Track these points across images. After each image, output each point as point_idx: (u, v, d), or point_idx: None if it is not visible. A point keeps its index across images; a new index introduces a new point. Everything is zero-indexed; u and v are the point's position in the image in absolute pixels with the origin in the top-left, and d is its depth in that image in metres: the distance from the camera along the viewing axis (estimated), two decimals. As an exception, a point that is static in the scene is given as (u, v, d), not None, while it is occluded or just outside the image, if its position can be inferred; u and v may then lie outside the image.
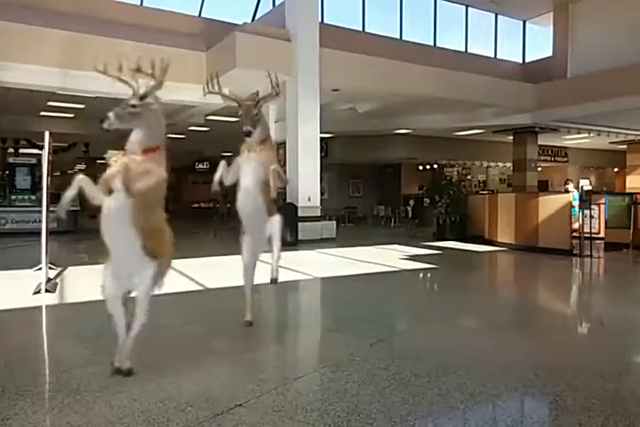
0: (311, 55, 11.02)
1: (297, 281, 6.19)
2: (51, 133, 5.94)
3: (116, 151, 2.63)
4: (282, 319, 4.62)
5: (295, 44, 10.93)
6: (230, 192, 3.68)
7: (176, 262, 6.69)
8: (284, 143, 11.18)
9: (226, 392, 2.62)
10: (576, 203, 8.39)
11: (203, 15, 13.13)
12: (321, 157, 11.62)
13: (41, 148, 5.87)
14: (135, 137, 2.63)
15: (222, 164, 3.54)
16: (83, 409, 2.40)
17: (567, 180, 8.88)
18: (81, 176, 2.57)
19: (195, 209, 24.18)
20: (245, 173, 3.44)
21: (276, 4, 13.28)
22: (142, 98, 2.66)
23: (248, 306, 3.71)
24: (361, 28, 15.05)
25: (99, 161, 19.16)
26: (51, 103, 13.33)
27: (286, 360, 3.34)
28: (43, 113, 14.88)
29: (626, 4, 14.08)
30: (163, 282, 2.85)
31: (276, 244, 3.64)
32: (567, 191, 8.51)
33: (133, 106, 2.62)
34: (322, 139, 12.04)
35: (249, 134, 3.35)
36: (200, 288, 5.71)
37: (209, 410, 2.39)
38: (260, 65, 10.42)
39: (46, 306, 4.70)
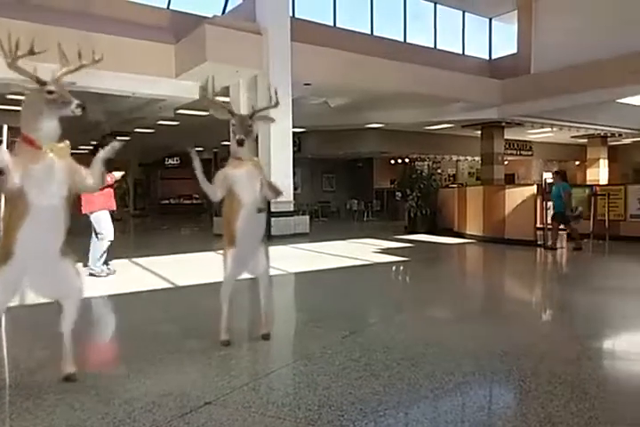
0: (282, 49, 10.97)
1: (270, 276, 6.18)
2: (10, 128, 5.75)
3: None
4: (254, 315, 4.63)
5: (266, 38, 10.86)
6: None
7: (145, 260, 6.62)
8: (257, 138, 11.12)
9: (195, 390, 2.59)
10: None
11: (171, 8, 12.89)
12: (293, 152, 11.62)
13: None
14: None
15: (203, 179, 3.26)
16: (43, 414, 2.33)
17: (556, 171, 9.16)
18: None
19: (165, 206, 23.81)
20: (247, 188, 3.22)
21: (246, -4, 13.13)
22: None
23: (224, 324, 3.32)
24: (332, 23, 15.05)
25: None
26: (10, 96, 12.87)
27: (258, 356, 3.36)
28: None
29: (587, 3, 14.48)
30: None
31: (266, 290, 3.48)
32: (552, 184, 8.84)
33: (50, 92, 2.49)
34: (294, 133, 12.05)
35: (242, 143, 3.22)
36: (169, 286, 5.65)
37: (177, 409, 2.36)
38: (231, 58, 10.38)
39: None
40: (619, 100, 13.69)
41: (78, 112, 2.53)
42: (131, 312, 4.56)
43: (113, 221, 6.14)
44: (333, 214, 20.12)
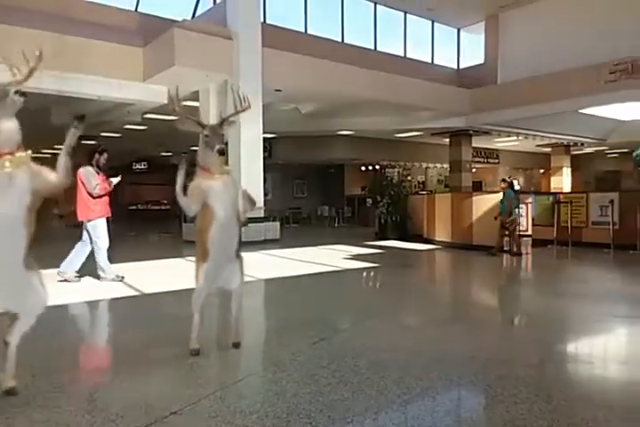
0: (253, 54, 10.95)
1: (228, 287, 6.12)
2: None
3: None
4: (223, 323, 4.57)
5: (237, 43, 10.82)
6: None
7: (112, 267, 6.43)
8: (227, 144, 11.05)
9: (161, 400, 2.54)
10: (508, 199, 8.69)
11: (139, 10, 12.73)
12: (264, 158, 11.57)
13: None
14: None
15: (181, 193, 3.19)
16: (-1, 427, 2.25)
17: (503, 178, 9.31)
18: None
19: (132, 212, 23.33)
20: (221, 201, 3.15)
21: (217, 1, 13.10)
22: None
23: (195, 333, 3.26)
24: (303, 30, 15.13)
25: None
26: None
27: (226, 364, 3.31)
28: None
29: (550, 15, 15.02)
30: None
31: (238, 302, 3.42)
32: (504, 190, 8.95)
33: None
34: (265, 139, 12.01)
35: (223, 152, 3.19)
36: (136, 293, 5.53)
37: (141, 420, 2.31)
38: (201, 63, 10.30)
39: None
40: (581, 111, 14.19)
41: (19, 100, 2.41)
42: (95, 320, 4.45)
43: (80, 226, 6.02)
44: (304, 221, 20.11)
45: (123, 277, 6.11)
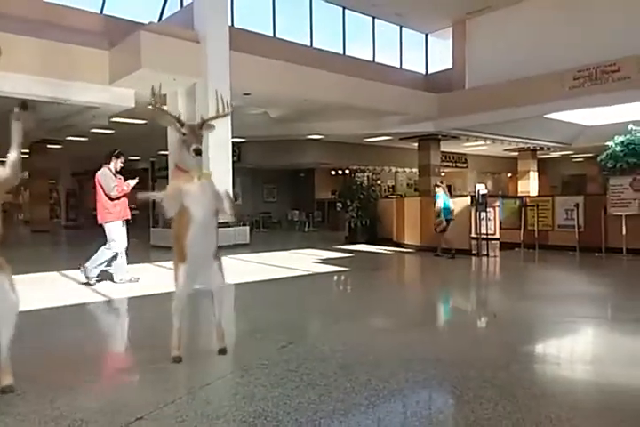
0: (221, 58, 10.87)
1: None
2: None
3: None
4: (192, 328, 4.49)
5: (204, 46, 10.73)
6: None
7: (75, 273, 6.26)
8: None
9: (126, 406, 2.49)
10: (440, 201, 9.01)
11: (105, 13, 12.50)
12: (233, 162, 11.49)
13: None
14: None
15: (155, 193, 3.25)
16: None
17: (436, 183, 9.66)
18: None
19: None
20: (201, 203, 3.10)
21: (184, 4, 12.97)
22: None
23: (175, 339, 3.20)
24: (272, 34, 15.12)
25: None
26: None
27: (194, 369, 3.25)
28: None
29: (516, 21, 15.42)
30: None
31: (219, 305, 3.36)
32: (435, 194, 9.19)
33: None
34: (234, 143, 11.92)
35: (200, 152, 3.08)
36: (103, 299, 5.40)
37: (106, 425, 2.27)
38: (168, 66, 10.17)
39: None
40: (546, 116, 14.60)
41: None
42: (61, 326, 4.30)
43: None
44: (275, 225, 20.02)
45: (138, 279, 6.25)
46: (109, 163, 6.09)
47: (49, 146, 17.53)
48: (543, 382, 3.03)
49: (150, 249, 10.84)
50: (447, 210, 8.97)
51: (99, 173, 6.01)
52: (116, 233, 6.01)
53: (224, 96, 3.53)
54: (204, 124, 3.27)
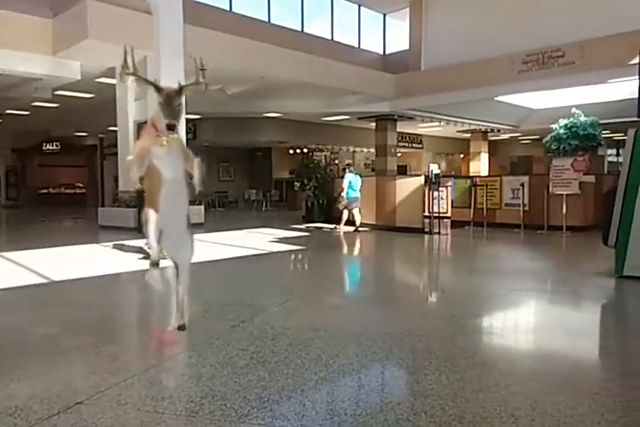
0: (174, 31, 10.43)
1: (161, 269, 5.93)
2: None
3: None
4: (143, 309, 4.41)
5: (156, 18, 10.26)
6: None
7: (16, 254, 6.03)
8: (146, 123, 10.56)
9: (66, 391, 2.42)
10: (346, 182, 10.15)
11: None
12: (188, 139, 11.19)
13: None
14: None
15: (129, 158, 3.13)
16: None
17: (344, 167, 10.89)
18: None
19: (43, 195, 21.78)
20: (171, 163, 3.01)
21: (134, -28, 12.30)
22: None
23: (174, 306, 3.15)
24: (228, 8, 14.65)
25: None
26: None
27: (140, 351, 3.20)
28: None
29: (471, 4, 15.50)
30: None
31: (184, 278, 3.27)
32: (343, 175, 10.36)
33: None
34: (189, 120, 11.62)
35: (173, 128, 2.91)
36: (43, 281, 5.19)
37: (43, 412, 2.19)
38: (116, 37, 9.64)
39: None
40: (497, 99, 14.91)
41: None
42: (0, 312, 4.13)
43: None
44: (231, 204, 19.79)
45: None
46: None
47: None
48: (485, 351, 3.16)
49: (98, 229, 10.51)
50: (352, 190, 10.09)
51: None
52: None
53: (198, 63, 3.36)
54: (182, 90, 3.13)
